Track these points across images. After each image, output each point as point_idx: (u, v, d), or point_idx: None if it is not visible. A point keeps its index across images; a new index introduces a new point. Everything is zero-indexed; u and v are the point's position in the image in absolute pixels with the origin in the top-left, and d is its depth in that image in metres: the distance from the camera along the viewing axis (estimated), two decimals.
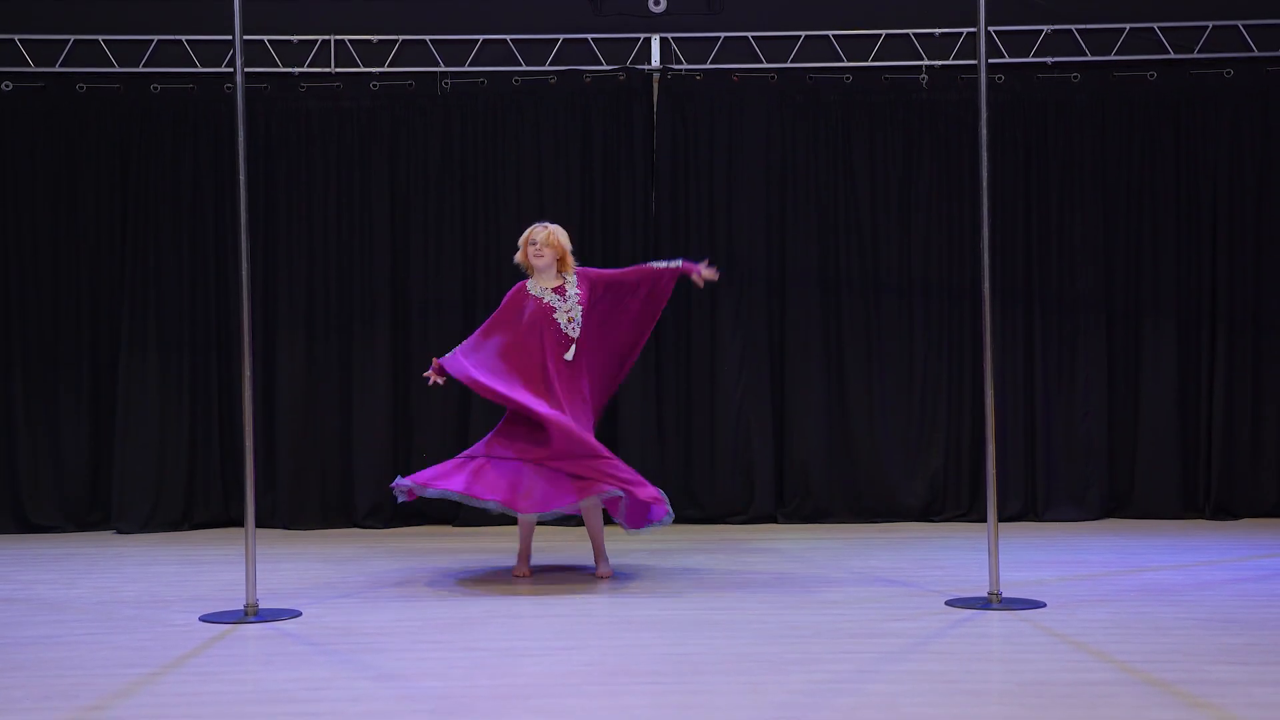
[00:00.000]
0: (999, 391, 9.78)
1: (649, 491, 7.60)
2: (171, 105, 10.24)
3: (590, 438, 7.68)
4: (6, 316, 10.20)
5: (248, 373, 6.98)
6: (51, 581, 8.09)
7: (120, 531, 10.02)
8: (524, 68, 10.27)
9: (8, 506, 10.14)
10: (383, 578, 8.02)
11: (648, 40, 10.30)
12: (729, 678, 5.60)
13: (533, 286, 7.92)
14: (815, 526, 10.03)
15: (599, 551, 7.95)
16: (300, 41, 10.20)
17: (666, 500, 7.68)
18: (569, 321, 7.84)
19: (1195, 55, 10.11)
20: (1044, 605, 6.90)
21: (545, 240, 7.89)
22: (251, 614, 6.81)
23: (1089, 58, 10.18)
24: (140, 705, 5.30)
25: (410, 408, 10.28)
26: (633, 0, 10.17)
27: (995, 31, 10.02)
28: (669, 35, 10.28)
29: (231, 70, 9.53)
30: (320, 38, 10.19)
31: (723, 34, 10.25)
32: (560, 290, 7.89)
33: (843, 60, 10.27)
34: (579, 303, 7.87)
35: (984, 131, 7.03)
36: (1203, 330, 10.18)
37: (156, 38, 10.14)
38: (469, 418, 10.18)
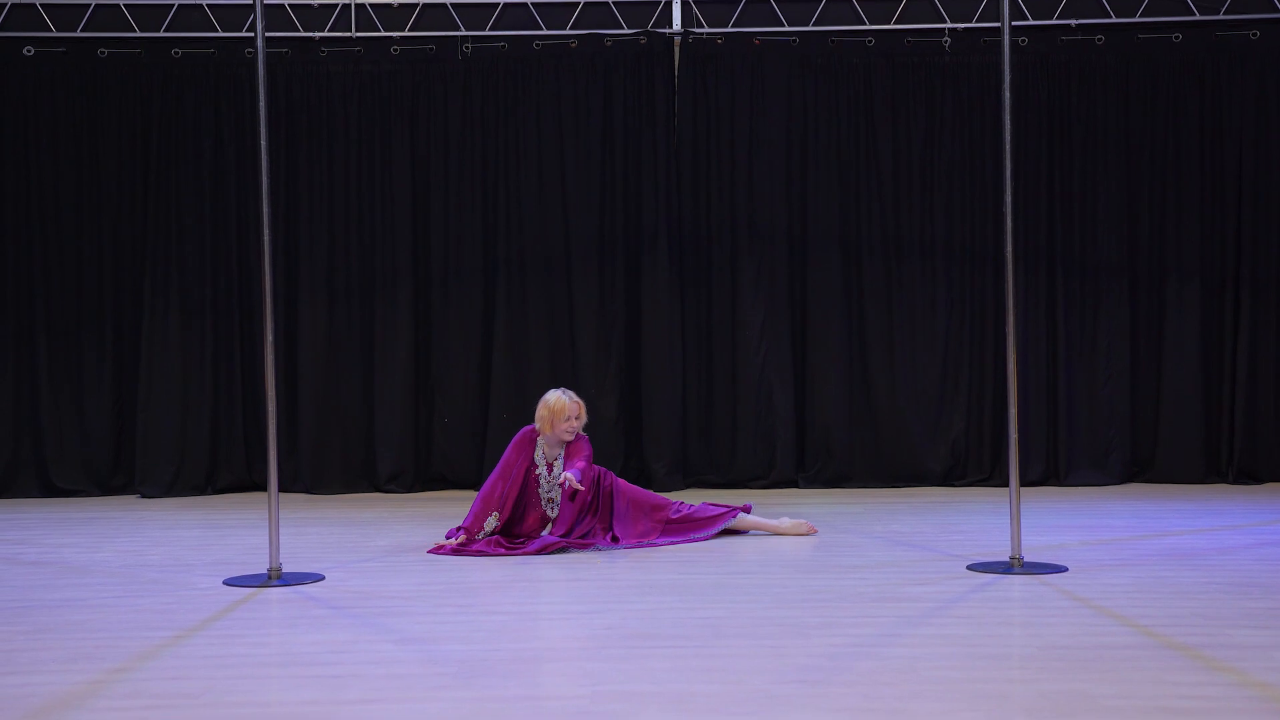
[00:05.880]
0: (1021, 356, 9.78)
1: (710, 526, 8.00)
2: (193, 70, 10.24)
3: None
4: (30, 282, 10.24)
5: (269, 338, 7.00)
6: (77, 545, 8.14)
7: (144, 496, 10.07)
8: (545, 32, 10.24)
9: (33, 471, 10.21)
10: (405, 542, 8.05)
11: (669, 4, 10.25)
12: (750, 641, 5.61)
13: (538, 449, 7.88)
14: (836, 491, 10.04)
15: (780, 528, 8.04)
16: (321, 6, 10.18)
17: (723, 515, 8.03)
18: (548, 501, 7.84)
19: (1221, 16, 10.03)
20: (1065, 570, 6.90)
21: (579, 414, 7.82)
22: (275, 578, 6.85)
23: (1113, 20, 10.10)
24: (165, 668, 5.34)
25: (432, 372, 10.30)
26: None
27: None
28: None
29: (252, 35, 9.50)
30: (341, 2, 10.17)
31: None
32: (550, 466, 7.85)
33: (865, 23, 10.21)
34: (561, 483, 7.76)
35: (1007, 94, 6.97)
36: (1226, 294, 10.13)
37: (177, 2, 10.13)
38: (490, 384, 10.20)
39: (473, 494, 10.02)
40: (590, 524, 7.83)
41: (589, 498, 7.82)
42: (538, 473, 7.81)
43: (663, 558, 7.46)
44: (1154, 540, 7.81)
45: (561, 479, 7.63)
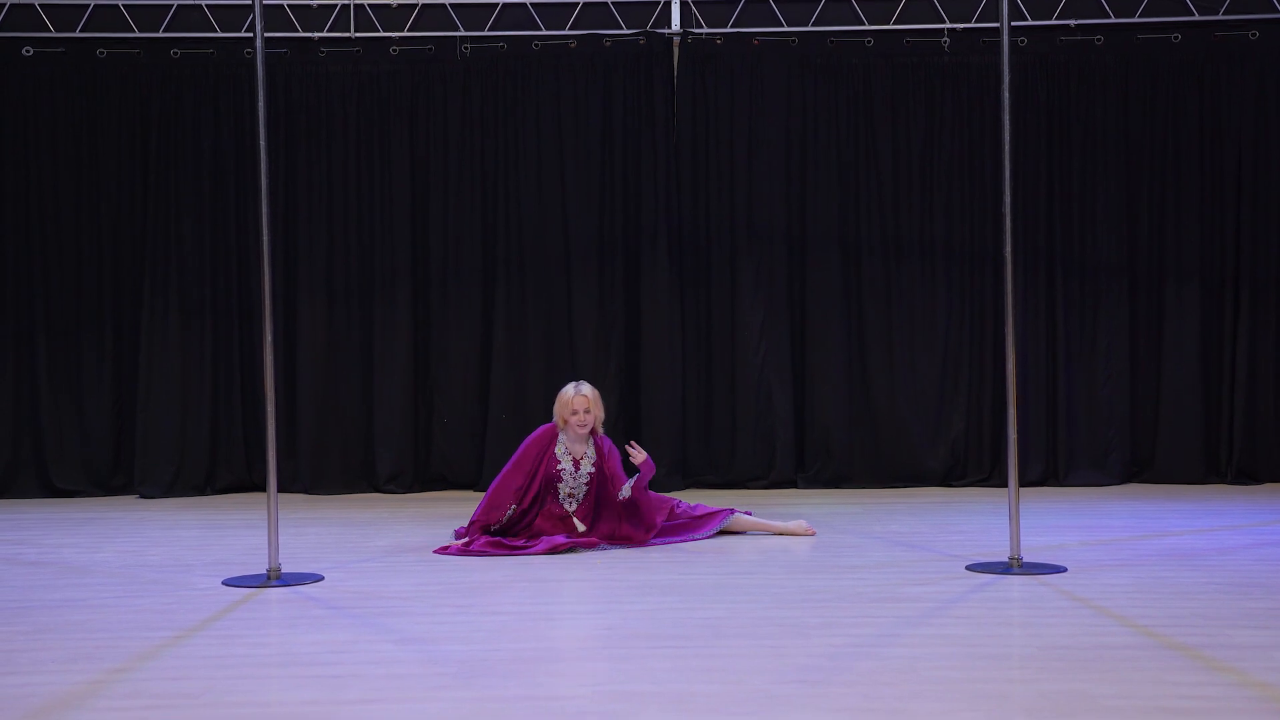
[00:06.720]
0: (1020, 357, 9.78)
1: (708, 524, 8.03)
2: (192, 70, 10.24)
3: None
4: (29, 282, 10.24)
5: (269, 338, 7.01)
6: (77, 545, 8.14)
7: (144, 496, 10.07)
8: (544, 32, 10.24)
9: (33, 471, 10.21)
10: (405, 542, 8.05)
11: (668, 4, 10.25)
12: (750, 641, 5.61)
13: (559, 445, 7.85)
14: (836, 491, 10.04)
15: (778, 529, 8.05)
16: (320, 6, 10.18)
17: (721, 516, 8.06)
18: (568, 496, 7.84)
19: (1220, 17, 10.03)
20: (1065, 570, 6.90)
21: (588, 407, 7.79)
22: (274, 578, 6.85)
23: (1113, 20, 10.10)
24: (164, 668, 5.34)
25: (431, 372, 10.31)
26: None
27: None
28: None
29: (251, 35, 9.52)
30: (340, 2, 10.16)
31: None
32: (577, 463, 7.84)
33: (864, 23, 10.21)
34: (586, 481, 7.84)
35: (1006, 94, 6.98)
36: (1225, 294, 10.13)
37: (176, 2, 10.13)
38: (489, 385, 10.20)
39: (472, 494, 10.06)
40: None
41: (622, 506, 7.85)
42: (560, 468, 7.80)
43: (663, 558, 7.47)
44: (1154, 540, 7.82)
45: (621, 496, 7.71)
